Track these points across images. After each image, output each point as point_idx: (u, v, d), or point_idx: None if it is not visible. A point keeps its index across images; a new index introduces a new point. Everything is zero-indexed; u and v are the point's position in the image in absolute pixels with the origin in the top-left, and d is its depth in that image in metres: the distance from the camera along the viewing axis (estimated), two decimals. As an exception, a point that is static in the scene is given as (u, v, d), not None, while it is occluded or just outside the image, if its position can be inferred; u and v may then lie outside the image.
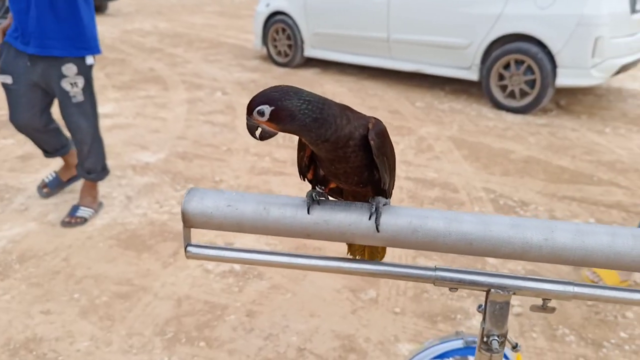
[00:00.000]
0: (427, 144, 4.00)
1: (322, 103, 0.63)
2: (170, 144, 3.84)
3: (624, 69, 4.55)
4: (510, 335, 1.79)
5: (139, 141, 3.86)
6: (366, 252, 0.78)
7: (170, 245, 2.54)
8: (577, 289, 0.63)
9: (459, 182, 3.31)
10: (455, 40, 5.05)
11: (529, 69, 4.61)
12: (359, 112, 0.68)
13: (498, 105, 4.88)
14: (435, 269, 0.66)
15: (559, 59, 4.42)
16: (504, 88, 4.85)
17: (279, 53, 6.47)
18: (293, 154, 3.75)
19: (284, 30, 6.30)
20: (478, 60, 4.95)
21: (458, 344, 1.29)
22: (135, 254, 2.45)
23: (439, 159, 3.70)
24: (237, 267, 2.39)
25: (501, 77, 4.84)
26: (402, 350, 1.90)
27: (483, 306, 0.68)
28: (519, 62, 4.69)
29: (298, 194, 3.10)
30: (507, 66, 4.77)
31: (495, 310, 0.65)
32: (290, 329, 2.01)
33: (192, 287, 2.24)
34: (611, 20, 4.27)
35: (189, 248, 0.70)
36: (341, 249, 0.86)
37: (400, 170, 3.50)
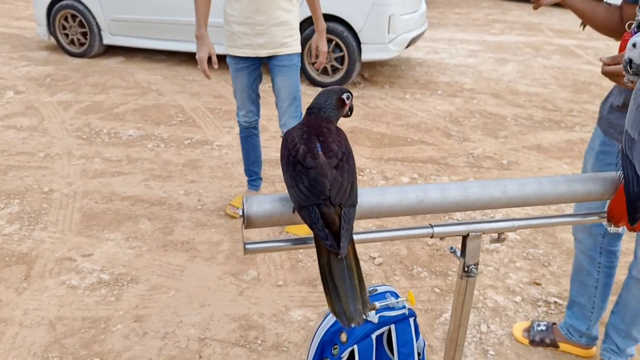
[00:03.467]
0: (263, 125, 4.23)
1: None
2: (-32, 157, 3.33)
3: (412, 41, 5.44)
4: (377, 281, 2.19)
5: None
6: None
7: (17, 269, 2.31)
8: (519, 223, 0.95)
9: (300, 157, 3.64)
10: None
11: (337, 47, 5.18)
12: None
13: (314, 83, 5.37)
14: (431, 226, 0.91)
15: (361, 37, 5.06)
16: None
17: (71, 42, 5.93)
18: (125, 152, 3.62)
19: (74, 16, 5.78)
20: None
21: (363, 293, 1.58)
22: (-28, 289, 2.17)
23: (276, 138, 3.98)
24: (105, 276, 2.32)
25: (314, 56, 5.32)
26: (294, 317, 2.14)
27: (461, 246, 0.96)
28: (328, 41, 5.21)
29: (145, 192, 3.06)
30: (317, 45, 5.27)
31: (472, 247, 0.93)
32: (185, 323, 2.07)
33: (61, 307, 2.10)
34: (400, 0, 5.05)
35: (247, 246, 0.84)
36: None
37: (243, 153, 3.68)
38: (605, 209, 0.95)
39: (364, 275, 0.93)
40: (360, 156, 3.68)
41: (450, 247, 1.00)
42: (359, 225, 2.77)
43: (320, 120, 0.85)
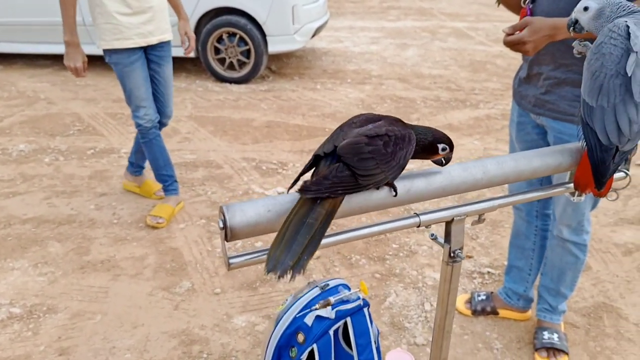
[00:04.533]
0: (170, 127, 4.03)
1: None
2: None
3: (317, 31, 5.46)
4: (317, 275, 2.17)
5: None
6: None
7: None
8: (498, 202, 0.96)
9: (218, 157, 3.51)
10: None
11: (242, 41, 5.06)
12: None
13: (221, 78, 5.22)
14: (417, 215, 0.88)
15: (266, 29, 4.99)
16: (222, 61, 5.20)
17: None
18: (18, 169, 3.27)
19: None
20: (191, 36, 5.14)
21: (315, 291, 1.54)
22: None
23: (189, 140, 3.81)
24: (16, 310, 2.07)
25: (218, 51, 5.17)
26: (238, 323, 2.05)
27: (445, 232, 0.94)
28: (231, 35, 5.08)
29: (49, 211, 2.78)
30: (220, 39, 5.12)
31: (457, 232, 0.92)
32: (118, 348, 1.91)
33: (-34, 355, 1.84)
34: (300, -10, 5.04)
35: (231, 260, 0.75)
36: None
37: (156, 159, 3.48)
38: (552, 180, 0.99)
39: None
40: (281, 150, 3.63)
41: (431, 234, 0.99)
42: (342, 224, 2.73)
43: (403, 127, 0.84)
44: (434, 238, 0.98)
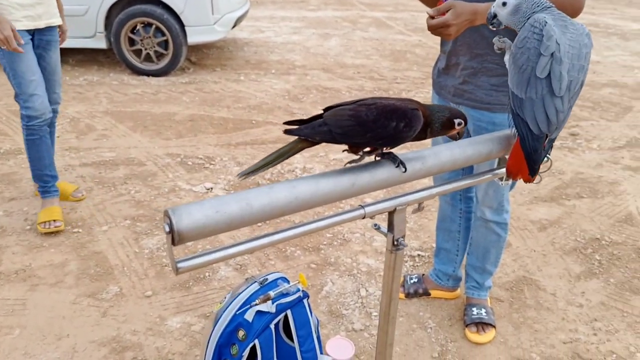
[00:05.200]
0: (85, 124, 3.83)
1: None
2: None
3: (238, 21, 5.37)
4: (253, 269, 2.17)
5: None
6: None
7: None
8: (436, 190, 1.00)
9: (140, 154, 3.38)
10: (70, 7, 4.77)
11: (159, 31, 4.87)
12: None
13: (137, 71, 5.01)
14: (362, 207, 0.89)
15: (184, 19, 4.83)
16: (138, 53, 4.98)
17: None
18: None
19: None
20: (102, 27, 4.88)
21: (254, 287, 1.54)
22: None
23: (106, 137, 3.63)
24: None
25: (132, 42, 4.94)
26: (173, 325, 2.00)
27: (388, 222, 0.96)
28: (147, 25, 4.88)
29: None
30: (135, 30, 4.90)
31: (399, 220, 0.95)
32: (42, 363, 1.79)
33: None
34: (218, -21, 4.92)
35: (179, 265, 0.74)
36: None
37: (70, 158, 3.29)
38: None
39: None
40: (207, 144, 3.56)
41: (374, 225, 1.02)
42: (289, 220, 2.69)
43: (413, 105, 0.93)
44: (377, 228, 1.01)
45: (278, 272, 1.63)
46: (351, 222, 2.37)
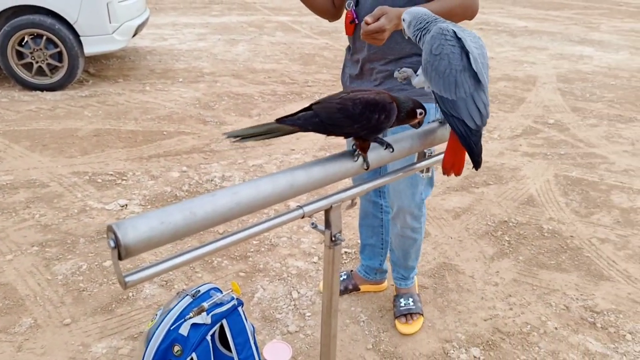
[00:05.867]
0: (-26, 146, 3.53)
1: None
2: None
3: (139, 29, 5.21)
4: (179, 284, 2.16)
5: None
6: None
7: None
8: (366, 186, 1.06)
9: (41, 175, 3.18)
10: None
11: (52, 42, 4.61)
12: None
13: (29, 86, 4.71)
14: (300, 207, 0.92)
15: (79, 29, 4.61)
16: (28, 66, 4.68)
17: None
18: None
19: None
20: (-16, 41, 4.53)
21: (187, 300, 1.53)
22: None
23: (1, 159, 3.37)
24: None
25: (21, 55, 4.63)
26: (98, 351, 1.92)
27: (325, 219, 1.01)
28: (37, 37, 4.59)
29: None
30: (23, 42, 4.60)
31: (335, 217, 1.00)
32: (-49, 412, 1.65)
33: None
34: (113, -14, 4.74)
35: (127, 279, 0.74)
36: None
37: (-39, 185, 3.02)
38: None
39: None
40: (117, 160, 3.42)
41: (311, 224, 1.06)
42: (231, 226, 2.61)
43: (388, 98, 1.01)
44: (314, 227, 1.05)
45: (210, 283, 1.62)
46: (290, 222, 2.39)
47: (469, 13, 1.50)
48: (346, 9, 1.67)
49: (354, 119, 0.98)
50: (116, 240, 0.70)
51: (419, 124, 1.10)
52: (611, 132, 4.17)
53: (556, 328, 2.10)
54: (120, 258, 0.72)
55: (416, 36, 1.12)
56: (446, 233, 2.75)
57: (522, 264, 2.50)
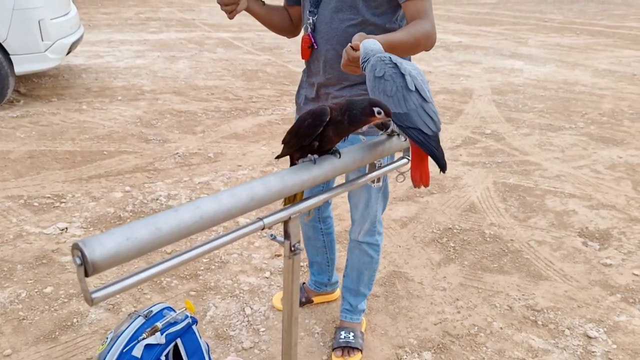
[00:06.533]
0: None
1: None
2: None
3: (73, 47, 5.07)
4: (127, 307, 2.14)
5: None
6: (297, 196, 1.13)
7: None
8: (322, 196, 1.11)
9: (-28, 201, 3.03)
10: None
11: (-21, 61, 4.41)
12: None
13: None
14: (260, 219, 0.95)
15: (8, 47, 4.44)
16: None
17: None
18: None
19: None
20: None
21: (139, 321, 1.51)
22: None
23: None
24: None
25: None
26: (42, 381, 1.85)
27: (284, 231, 1.05)
28: (-38, 55, 4.38)
29: None
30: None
31: (294, 227, 1.04)
32: None
33: None
34: (45, 2, 4.61)
35: (93, 295, 0.75)
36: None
37: None
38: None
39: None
40: (54, 182, 3.31)
41: (270, 235, 1.08)
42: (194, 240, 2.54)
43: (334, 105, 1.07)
44: (273, 238, 1.08)
45: (162, 302, 1.61)
46: (251, 234, 2.40)
47: (429, 43, 1.54)
48: (304, 32, 1.71)
49: (299, 132, 1.07)
50: (83, 257, 0.72)
51: (385, 127, 1.16)
52: (543, 141, 4.45)
53: (501, 328, 2.22)
54: (87, 275, 0.73)
55: (363, 67, 1.24)
56: (395, 242, 2.84)
57: (468, 269, 2.62)
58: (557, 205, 3.32)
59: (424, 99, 1.14)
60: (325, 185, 1.96)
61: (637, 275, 2.62)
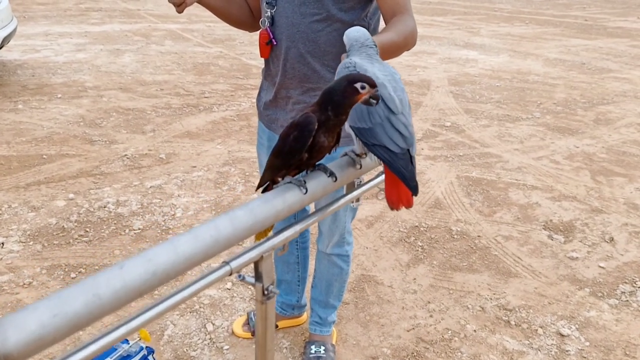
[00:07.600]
0: None
1: None
2: None
3: (5, 41, 4.71)
4: (87, 337, 1.93)
5: None
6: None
7: None
8: (298, 227, 0.95)
9: None
10: None
11: None
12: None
13: None
14: (227, 262, 0.79)
15: None
16: None
17: None
18: None
19: None
20: None
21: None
22: None
23: None
24: None
25: None
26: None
27: (254, 272, 0.87)
28: None
29: None
30: None
31: (267, 267, 0.87)
32: None
33: None
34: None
35: None
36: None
37: None
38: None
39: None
40: (-12, 191, 3.03)
41: (238, 276, 0.92)
42: (156, 295, 2.33)
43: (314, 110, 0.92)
44: (242, 279, 0.93)
45: (113, 330, 1.45)
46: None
47: (414, 42, 1.41)
48: (261, 27, 1.52)
49: (283, 153, 0.95)
50: None
51: (374, 100, 0.91)
52: (502, 132, 4.47)
53: (475, 330, 2.17)
54: None
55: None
56: (362, 243, 2.75)
57: (437, 269, 2.56)
58: (520, 198, 3.32)
59: (391, 111, 0.96)
60: (299, 212, 1.80)
61: (602, 267, 2.63)
